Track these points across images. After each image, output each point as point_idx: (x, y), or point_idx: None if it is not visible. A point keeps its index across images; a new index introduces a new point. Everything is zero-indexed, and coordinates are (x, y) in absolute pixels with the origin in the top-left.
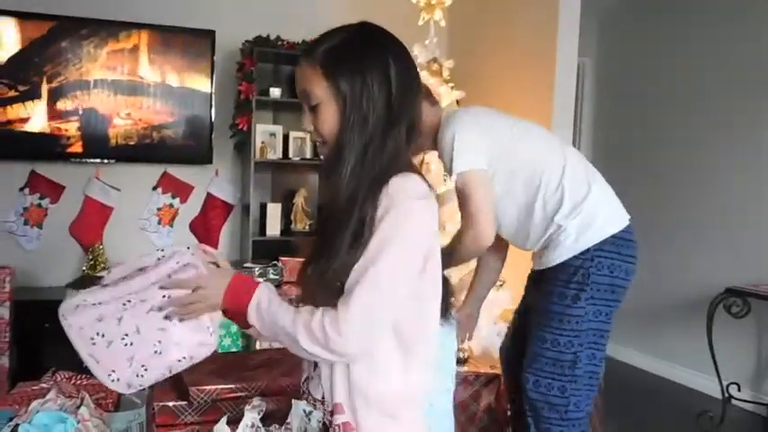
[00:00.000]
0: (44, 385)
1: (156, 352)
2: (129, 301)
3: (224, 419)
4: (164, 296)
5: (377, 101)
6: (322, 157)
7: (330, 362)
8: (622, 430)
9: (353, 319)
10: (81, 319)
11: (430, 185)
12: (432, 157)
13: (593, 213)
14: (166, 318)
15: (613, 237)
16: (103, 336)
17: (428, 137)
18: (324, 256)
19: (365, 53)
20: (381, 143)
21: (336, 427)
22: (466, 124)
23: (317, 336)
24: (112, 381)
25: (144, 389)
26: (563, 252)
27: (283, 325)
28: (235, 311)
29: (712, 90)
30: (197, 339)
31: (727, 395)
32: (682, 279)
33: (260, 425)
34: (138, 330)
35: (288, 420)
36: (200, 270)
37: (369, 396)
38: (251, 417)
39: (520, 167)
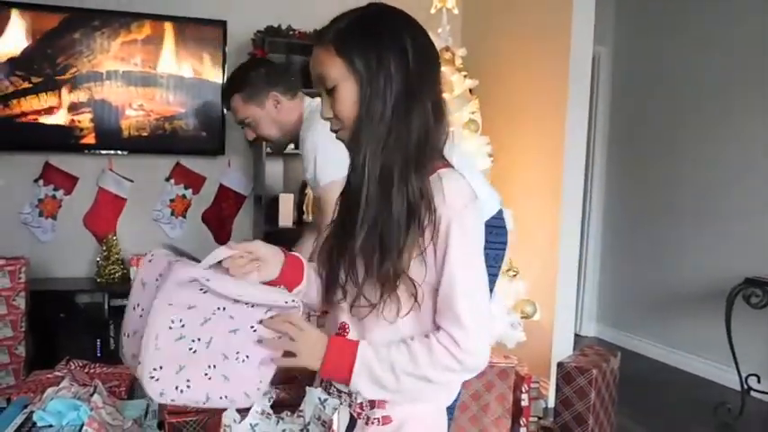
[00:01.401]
0: (58, 373)
1: (205, 375)
2: (223, 309)
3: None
4: (252, 327)
5: (394, 74)
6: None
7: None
8: (639, 422)
9: (478, 335)
10: (181, 294)
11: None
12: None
13: None
14: (259, 341)
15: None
16: (183, 326)
17: (289, 134)
18: (379, 252)
19: (376, 27)
20: (405, 120)
21: (375, 420)
22: (327, 135)
23: (447, 364)
24: (152, 378)
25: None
26: None
27: (402, 368)
28: (336, 375)
29: (734, 79)
30: (244, 388)
31: (746, 387)
32: (700, 269)
33: (270, 411)
34: (209, 344)
35: (300, 408)
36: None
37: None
38: (261, 404)
39: None
